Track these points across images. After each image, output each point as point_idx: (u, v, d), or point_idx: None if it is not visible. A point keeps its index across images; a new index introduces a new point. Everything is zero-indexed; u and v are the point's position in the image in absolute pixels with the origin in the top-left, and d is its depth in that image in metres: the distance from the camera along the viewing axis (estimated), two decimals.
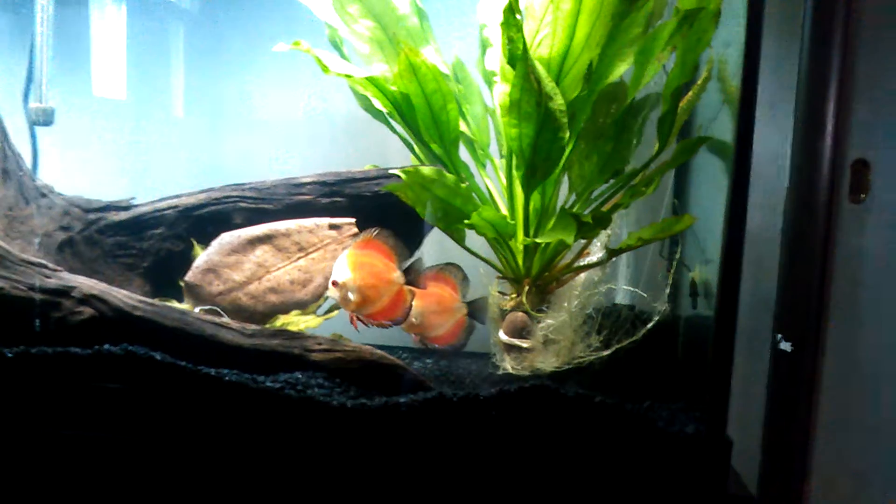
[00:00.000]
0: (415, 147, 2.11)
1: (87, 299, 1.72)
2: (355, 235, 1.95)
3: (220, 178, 2.11)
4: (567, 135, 1.80)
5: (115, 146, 2.41)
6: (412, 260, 1.89)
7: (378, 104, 1.99)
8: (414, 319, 1.90)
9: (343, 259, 1.79)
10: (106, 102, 2.36)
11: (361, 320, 1.83)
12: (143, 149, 2.41)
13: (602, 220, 1.82)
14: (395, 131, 2.12)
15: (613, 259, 2.01)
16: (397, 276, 1.85)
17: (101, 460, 1.64)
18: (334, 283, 1.78)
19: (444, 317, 1.97)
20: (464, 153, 2.07)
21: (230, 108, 2.44)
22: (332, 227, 1.96)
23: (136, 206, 2.09)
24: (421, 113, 1.94)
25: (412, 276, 1.87)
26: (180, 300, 1.93)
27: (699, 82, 1.91)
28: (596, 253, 2.01)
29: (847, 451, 1.77)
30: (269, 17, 2.36)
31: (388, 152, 2.20)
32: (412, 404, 1.64)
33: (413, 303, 1.88)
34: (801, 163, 1.65)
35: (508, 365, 1.97)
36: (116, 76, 2.36)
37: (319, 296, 1.96)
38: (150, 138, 2.42)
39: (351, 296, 1.78)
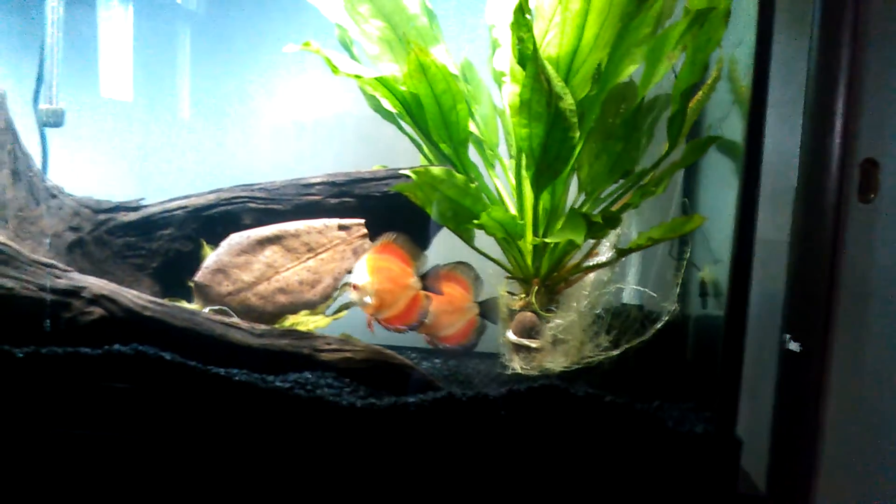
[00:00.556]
0: (424, 147, 2.12)
1: (97, 299, 1.72)
2: (364, 236, 1.95)
3: (229, 179, 2.11)
4: (577, 134, 1.80)
5: (124, 147, 2.41)
6: (429, 266, 1.91)
7: (387, 105, 1.99)
8: (426, 320, 1.91)
9: (363, 263, 1.82)
10: (115, 104, 2.37)
11: (382, 324, 1.85)
12: (152, 150, 2.42)
13: (612, 220, 1.82)
14: (404, 132, 2.13)
15: (622, 259, 2.01)
16: (414, 281, 1.86)
17: (112, 460, 1.64)
18: (354, 287, 1.80)
19: (455, 317, 1.97)
20: (472, 154, 2.07)
21: (239, 109, 2.44)
22: (341, 227, 1.96)
23: (145, 206, 2.10)
24: (430, 113, 1.94)
25: (428, 281, 1.88)
26: (190, 300, 1.93)
27: (709, 82, 1.91)
28: (605, 253, 2.01)
29: (855, 451, 1.77)
30: (277, 19, 2.37)
31: (397, 153, 2.20)
32: (421, 404, 1.64)
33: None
34: (809, 162, 1.65)
35: (517, 365, 1.97)
36: (124, 78, 2.37)
37: (328, 296, 1.96)
38: (159, 139, 2.43)
39: (368, 300, 1.80)
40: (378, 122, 2.15)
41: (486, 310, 2.01)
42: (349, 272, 1.96)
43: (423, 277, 1.89)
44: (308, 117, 2.42)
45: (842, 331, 1.72)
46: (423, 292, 1.88)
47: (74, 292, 1.72)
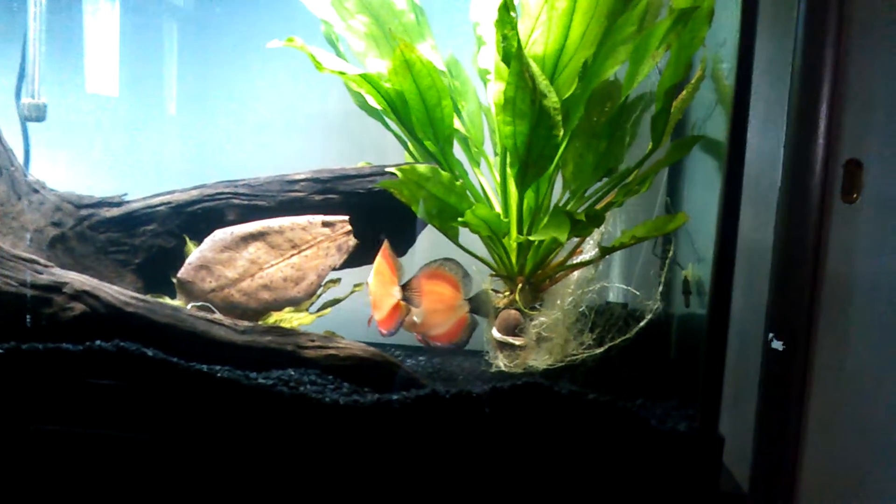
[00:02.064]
0: (409, 144, 2.11)
1: (79, 295, 1.71)
2: (349, 233, 1.95)
3: (212, 175, 2.10)
4: (561, 133, 1.80)
5: (107, 142, 2.40)
6: (411, 275, 1.92)
7: (372, 101, 1.99)
8: (416, 318, 1.91)
9: (375, 263, 1.86)
10: (98, 98, 2.35)
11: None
12: (135, 145, 2.41)
13: (595, 219, 1.82)
14: (389, 129, 2.12)
15: (607, 257, 2.02)
16: (395, 290, 1.88)
17: (93, 457, 1.63)
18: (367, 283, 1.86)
19: (445, 315, 1.97)
20: (458, 151, 2.07)
21: (223, 104, 2.43)
22: (325, 224, 1.96)
23: (128, 202, 2.09)
24: (415, 109, 1.94)
25: (409, 292, 1.89)
26: (173, 297, 1.92)
27: (693, 81, 1.91)
28: (589, 251, 2.02)
29: (838, 449, 1.78)
30: (263, 14, 2.36)
31: (382, 149, 2.20)
32: (405, 401, 1.64)
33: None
34: (793, 162, 1.65)
35: (501, 362, 1.97)
36: (109, 72, 2.35)
37: (312, 293, 1.95)
38: (142, 135, 2.41)
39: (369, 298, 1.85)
40: (363, 118, 2.15)
41: (476, 305, 2.00)
42: (333, 269, 1.95)
43: (405, 288, 1.90)
44: (293, 113, 2.41)
45: (825, 330, 1.74)
46: (402, 303, 1.89)
47: (56, 288, 1.71)
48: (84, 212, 2.06)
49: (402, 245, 2.04)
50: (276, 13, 2.33)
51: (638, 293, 2.04)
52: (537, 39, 1.82)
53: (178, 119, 2.43)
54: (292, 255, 1.93)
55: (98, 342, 1.67)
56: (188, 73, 2.42)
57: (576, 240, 2.01)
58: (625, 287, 2.10)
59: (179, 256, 1.95)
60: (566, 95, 1.83)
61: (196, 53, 2.44)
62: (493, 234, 1.97)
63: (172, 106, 2.43)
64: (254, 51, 2.40)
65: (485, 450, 1.62)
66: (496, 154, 2.08)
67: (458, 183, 1.93)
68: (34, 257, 1.76)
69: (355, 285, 2.04)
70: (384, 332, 1.89)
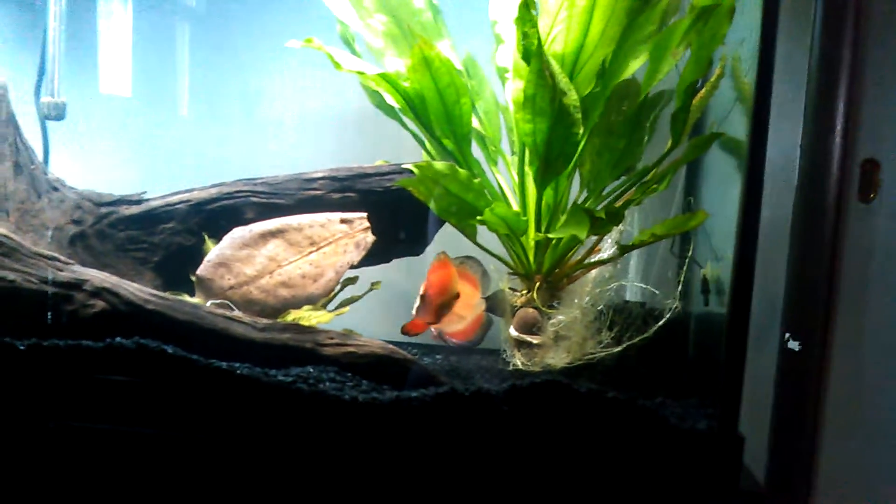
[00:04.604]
0: (426, 143, 2.12)
1: (99, 292, 1.71)
2: (367, 230, 1.95)
3: (231, 174, 2.11)
4: (581, 130, 1.80)
5: (127, 141, 2.41)
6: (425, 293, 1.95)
7: (390, 99, 1.99)
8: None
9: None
10: (118, 98, 2.36)
11: None
12: (154, 143, 2.42)
13: (615, 216, 1.82)
14: (406, 127, 2.12)
15: (625, 256, 2.02)
16: (417, 303, 1.91)
17: (113, 454, 1.64)
18: None
19: (463, 312, 1.98)
20: (475, 149, 2.07)
21: (240, 103, 2.44)
22: (343, 221, 1.96)
23: (147, 200, 2.09)
24: (433, 107, 1.94)
25: (422, 305, 1.91)
26: (192, 294, 1.93)
27: (712, 79, 1.91)
28: (607, 250, 2.02)
29: (854, 449, 1.78)
30: (277, 14, 2.37)
31: (399, 149, 2.21)
32: (424, 398, 1.64)
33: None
34: (810, 162, 1.65)
35: (519, 361, 1.97)
36: (123, 72, 2.36)
37: (330, 290, 1.95)
38: (162, 133, 2.42)
39: None
40: (380, 117, 2.15)
41: (492, 304, 2.01)
42: (351, 266, 1.96)
43: (423, 299, 1.92)
44: (310, 112, 2.42)
45: (841, 330, 1.73)
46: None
47: (76, 285, 1.71)
48: (103, 209, 2.07)
49: (418, 243, 2.04)
50: (290, 12, 2.34)
51: (656, 292, 2.04)
52: (557, 37, 1.82)
53: (196, 117, 2.44)
54: (311, 253, 1.94)
55: (118, 339, 1.67)
56: (205, 71, 2.43)
57: (594, 238, 2.01)
58: (643, 286, 2.10)
59: (198, 254, 1.96)
60: (585, 93, 1.83)
61: (211, 52, 2.44)
62: (512, 233, 1.97)
63: (190, 105, 2.44)
64: (269, 49, 2.41)
65: (504, 447, 1.62)
66: (513, 153, 2.08)
67: (475, 181, 1.93)
68: (55, 255, 1.77)
69: (373, 283, 2.05)
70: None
